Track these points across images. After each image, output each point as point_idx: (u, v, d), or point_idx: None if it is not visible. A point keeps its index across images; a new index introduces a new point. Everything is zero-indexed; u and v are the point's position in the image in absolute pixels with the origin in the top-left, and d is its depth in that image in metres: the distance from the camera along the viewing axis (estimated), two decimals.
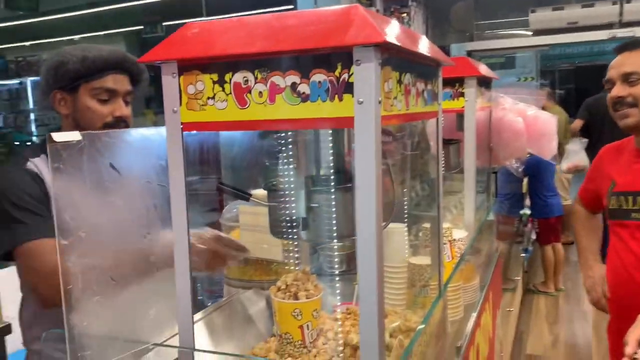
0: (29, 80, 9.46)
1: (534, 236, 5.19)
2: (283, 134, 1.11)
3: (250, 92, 0.95)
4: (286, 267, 1.74)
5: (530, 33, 6.45)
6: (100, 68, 1.51)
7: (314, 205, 1.08)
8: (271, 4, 4.61)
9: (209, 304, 1.48)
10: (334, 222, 1.09)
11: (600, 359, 3.52)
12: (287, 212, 1.07)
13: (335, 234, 1.10)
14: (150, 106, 7.84)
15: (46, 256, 1.21)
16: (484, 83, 2.27)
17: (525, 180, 4.66)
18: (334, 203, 1.09)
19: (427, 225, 1.72)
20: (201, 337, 1.38)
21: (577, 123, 5.28)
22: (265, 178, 1.25)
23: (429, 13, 6.09)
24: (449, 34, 6.79)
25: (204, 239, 1.27)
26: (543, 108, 3.11)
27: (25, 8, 7.00)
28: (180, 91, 1.00)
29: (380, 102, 0.89)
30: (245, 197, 1.14)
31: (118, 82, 1.54)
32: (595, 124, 5.00)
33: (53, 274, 0.91)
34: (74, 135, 0.90)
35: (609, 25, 5.84)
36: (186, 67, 0.99)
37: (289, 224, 1.07)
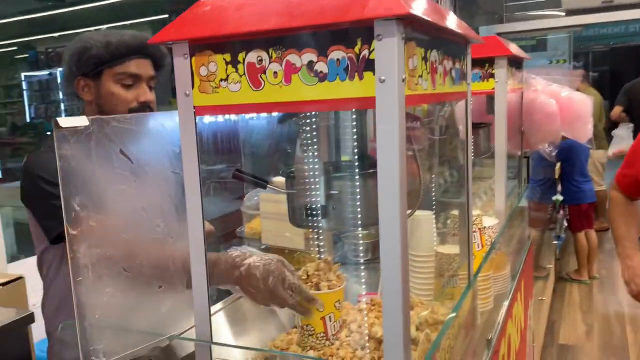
0: (58, 71, 9.60)
1: (566, 223, 5.04)
2: (302, 118, 1.05)
3: (264, 72, 0.89)
4: (309, 256, 1.69)
5: (563, 13, 6.22)
6: (124, 53, 1.49)
7: (334, 192, 1.02)
8: None
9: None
10: (356, 210, 1.04)
11: (637, 350, 3.41)
12: (307, 199, 1.02)
13: (357, 223, 1.05)
14: (176, 95, 7.85)
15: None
16: (515, 63, 2.17)
17: (557, 165, 4.51)
18: (356, 190, 1.03)
19: (455, 212, 1.65)
20: (222, 328, 1.35)
21: (617, 110, 5.10)
22: (286, 165, 1.20)
23: None
24: (477, 15, 6.61)
25: (264, 273, 1.12)
26: (577, 90, 2.97)
27: None
28: (192, 73, 0.95)
29: (403, 81, 0.82)
30: (263, 184, 1.09)
31: (141, 66, 1.51)
32: (634, 108, 4.82)
33: None
34: (81, 120, 0.86)
35: None
36: (198, 47, 0.94)
37: (308, 212, 1.02)
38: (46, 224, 1.35)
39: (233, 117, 1.92)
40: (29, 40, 10.29)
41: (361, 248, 1.94)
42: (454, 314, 1.09)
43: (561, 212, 5.00)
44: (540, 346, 3.43)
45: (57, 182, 1.23)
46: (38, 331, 1.83)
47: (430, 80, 0.99)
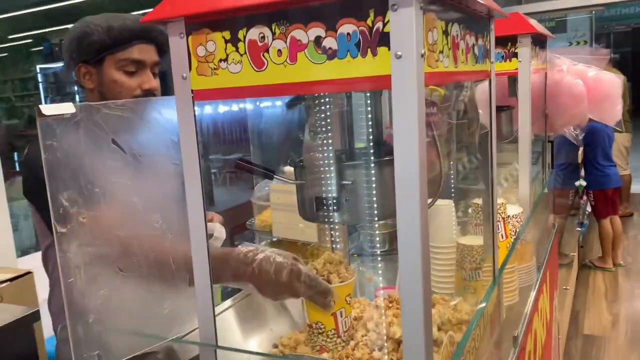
0: None
1: (589, 209, 4.89)
2: (309, 100, 0.96)
3: (267, 50, 0.80)
4: (323, 249, 1.61)
5: None
6: (126, 38, 1.41)
7: (347, 182, 0.93)
8: None
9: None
10: (372, 201, 0.95)
11: None
12: (317, 191, 0.93)
13: (372, 215, 0.96)
14: None
15: None
16: (539, 42, 2.05)
17: (580, 149, 4.36)
18: (371, 179, 0.95)
19: (477, 201, 1.55)
20: (230, 326, 1.27)
21: None
22: (297, 153, 1.11)
23: None
24: None
25: (278, 267, 1.05)
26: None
27: None
28: (189, 54, 0.87)
29: (423, 56, 0.73)
30: (269, 174, 1.01)
31: (145, 52, 1.44)
32: None
33: None
34: (67, 108, 0.78)
35: None
36: (195, 24, 0.86)
37: (319, 205, 0.93)
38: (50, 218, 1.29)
39: (244, 103, 1.85)
40: (44, 32, 10.31)
41: (378, 239, 1.85)
42: (479, 315, 1.00)
43: (584, 197, 4.86)
44: (564, 337, 3.33)
45: None
46: (49, 327, 1.78)
47: (452, 57, 0.89)
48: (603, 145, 4.44)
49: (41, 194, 1.25)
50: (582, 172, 4.65)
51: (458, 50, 0.93)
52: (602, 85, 2.22)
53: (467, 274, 1.45)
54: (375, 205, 0.95)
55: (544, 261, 1.93)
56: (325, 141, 0.92)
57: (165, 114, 0.94)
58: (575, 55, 2.36)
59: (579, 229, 4.61)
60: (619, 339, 3.55)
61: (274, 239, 1.58)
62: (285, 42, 0.79)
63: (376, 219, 0.97)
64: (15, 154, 6.66)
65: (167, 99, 0.92)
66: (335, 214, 0.93)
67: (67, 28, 1.45)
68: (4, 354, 1.47)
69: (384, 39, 0.72)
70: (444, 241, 1.54)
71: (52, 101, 11.12)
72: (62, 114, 0.78)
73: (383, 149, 0.99)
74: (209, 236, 1.36)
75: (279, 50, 0.80)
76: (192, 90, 0.88)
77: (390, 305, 1.22)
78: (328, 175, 0.92)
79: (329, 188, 0.93)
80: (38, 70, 11.51)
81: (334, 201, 0.92)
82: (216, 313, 1.28)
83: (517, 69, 1.85)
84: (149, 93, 1.44)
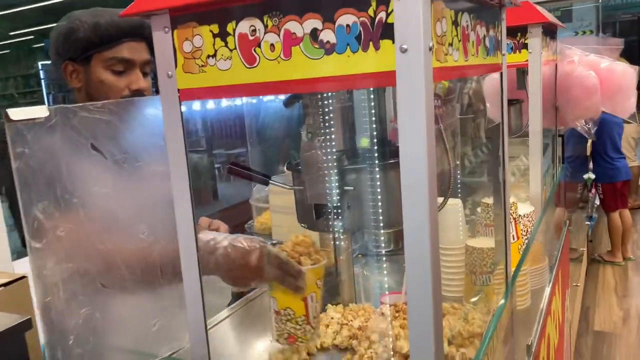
0: None
1: (598, 202, 4.80)
2: (308, 99, 0.89)
3: (259, 45, 0.73)
4: (325, 253, 1.55)
5: None
6: (114, 36, 1.33)
7: (348, 187, 0.86)
8: None
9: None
10: (376, 207, 0.88)
11: None
12: (316, 197, 0.86)
13: (377, 222, 0.89)
14: None
15: None
16: (549, 32, 1.96)
17: (589, 141, 4.27)
18: (376, 183, 0.87)
19: (487, 200, 1.47)
20: (226, 338, 1.21)
21: None
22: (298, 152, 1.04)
23: None
24: None
25: (245, 251, 0.97)
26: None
27: None
28: (174, 50, 0.80)
29: (431, 50, 0.65)
30: (263, 179, 0.94)
31: (134, 51, 1.35)
32: None
33: None
34: (40, 111, 0.71)
35: None
36: (180, 17, 0.78)
37: (318, 212, 0.86)
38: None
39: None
40: (45, 28, 10.24)
41: (383, 238, 1.78)
42: (493, 329, 0.93)
43: (593, 190, 4.77)
44: (575, 334, 3.25)
45: None
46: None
47: (462, 49, 0.82)
48: (612, 137, 4.34)
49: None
50: (591, 165, 4.56)
51: (468, 42, 0.85)
52: (615, 76, 2.13)
53: (477, 279, 1.38)
54: (380, 212, 0.88)
55: (556, 261, 1.85)
56: (324, 143, 0.84)
57: (150, 115, 0.86)
58: (587, 46, 2.27)
59: (588, 222, 4.52)
60: (631, 335, 3.48)
61: (274, 242, 1.51)
62: (279, 36, 0.72)
63: (382, 225, 0.90)
64: None
65: (152, 99, 0.85)
66: (337, 222, 0.86)
67: None
68: None
69: (387, 31, 0.65)
70: (452, 243, 1.46)
71: (55, 98, 11.07)
72: (34, 119, 0.71)
73: (388, 150, 0.92)
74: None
75: (272, 45, 0.72)
76: (178, 90, 0.80)
77: (397, 315, 1.15)
78: (328, 180, 0.85)
79: (330, 194, 0.86)
80: (40, 67, 11.46)
81: (335, 208, 0.85)
82: (213, 324, 1.22)
83: (527, 60, 1.77)
84: (137, 94, 1.36)
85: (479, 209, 1.57)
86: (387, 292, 1.38)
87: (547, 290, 1.67)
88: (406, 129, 0.65)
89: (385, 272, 1.60)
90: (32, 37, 11.19)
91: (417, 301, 0.72)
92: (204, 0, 0.74)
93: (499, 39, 1.08)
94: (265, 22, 0.72)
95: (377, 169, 0.87)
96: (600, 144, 4.34)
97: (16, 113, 0.69)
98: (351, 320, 1.23)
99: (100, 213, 0.81)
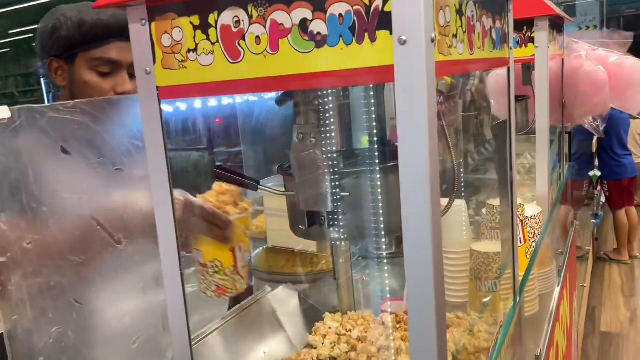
0: None
1: (603, 199, 4.73)
2: (299, 97, 0.82)
3: (243, 37, 0.66)
4: (323, 257, 1.48)
5: None
6: (100, 35, 1.24)
7: (345, 192, 0.79)
8: None
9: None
10: (377, 214, 0.81)
11: None
12: (309, 204, 0.79)
13: (377, 230, 0.82)
14: None
15: None
16: (556, 26, 1.89)
17: (595, 137, 4.19)
18: (374, 188, 0.81)
19: (492, 202, 1.41)
20: (218, 350, 1.14)
21: None
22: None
23: None
24: None
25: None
26: None
27: None
28: (152, 44, 0.73)
29: (433, 41, 0.58)
30: (252, 185, 0.87)
31: (122, 51, 1.27)
32: None
33: None
34: (2, 112, 0.65)
35: None
36: (158, 8, 0.72)
37: (310, 220, 0.79)
38: None
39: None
40: None
41: (385, 240, 1.71)
42: (501, 344, 0.86)
43: (598, 188, 4.69)
44: (581, 335, 3.18)
45: None
46: None
47: (467, 42, 0.75)
48: (619, 134, 4.27)
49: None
50: (596, 162, 4.49)
51: (474, 34, 0.78)
52: (624, 71, 2.06)
53: (482, 284, 1.31)
54: (379, 219, 0.81)
55: (564, 263, 1.78)
56: (316, 144, 0.77)
57: (127, 115, 0.80)
58: (594, 40, 2.19)
59: (594, 220, 4.46)
60: (638, 336, 3.41)
61: (268, 247, 1.45)
62: (265, 27, 0.65)
63: (381, 233, 0.83)
64: None
65: (129, 98, 0.78)
66: (331, 230, 0.79)
67: None
68: None
69: (384, 21, 0.58)
70: (456, 246, 1.39)
71: (55, 96, 11.00)
72: None
73: (388, 152, 0.85)
74: None
75: (258, 37, 0.65)
76: (157, 87, 0.74)
77: (398, 326, 1.08)
78: (322, 185, 0.78)
79: (324, 199, 0.79)
80: (40, 66, 11.40)
81: (329, 215, 0.78)
82: (204, 334, 1.16)
83: (533, 55, 1.69)
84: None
85: (484, 211, 1.50)
86: (388, 297, 1.32)
87: (556, 295, 1.60)
88: (406, 128, 0.59)
89: (387, 275, 1.53)
90: (31, 35, 11.13)
91: (419, 317, 0.65)
92: None
93: (506, 31, 1.01)
94: (250, 13, 0.65)
95: (375, 171, 0.80)
96: (607, 140, 4.27)
97: None
98: (350, 330, 1.17)
99: (72, 222, 0.74)
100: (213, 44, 0.69)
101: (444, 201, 1.03)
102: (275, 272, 1.46)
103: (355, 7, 0.59)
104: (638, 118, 4.16)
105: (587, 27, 8.20)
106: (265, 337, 1.19)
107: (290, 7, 0.63)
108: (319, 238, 0.82)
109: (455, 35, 0.69)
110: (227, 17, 0.67)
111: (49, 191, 0.71)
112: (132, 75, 1.32)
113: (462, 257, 1.38)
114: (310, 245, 1.37)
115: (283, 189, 0.90)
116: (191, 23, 0.70)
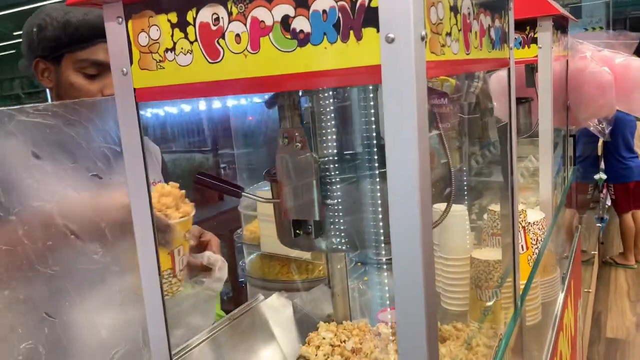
0: None
1: (609, 203, 4.66)
2: (282, 99, 0.78)
3: (223, 36, 0.62)
4: (318, 264, 1.44)
5: None
6: (86, 36, 1.20)
7: (332, 199, 0.75)
8: None
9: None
10: (369, 222, 0.77)
11: None
12: (294, 212, 0.75)
13: (369, 241, 0.78)
14: None
15: None
16: (560, 27, 1.84)
17: (600, 140, 4.13)
18: (364, 196, 0.76)
19: (494, 208, 1.36)
20: None
21: None
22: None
23: None
24: None
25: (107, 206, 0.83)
26: None
27: None
28: (129, 43, 0.69)
29: (423, 39, 0.54)
30: (235, 191, 0.83)
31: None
32: None
33: None
34: None
35: None
36: (135, 5, 0.68)
37: (297, 229, 0.75)
38: None
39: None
40: None
41: (383, 245, 1.67)
42: (500, 357, 0.81)
43: (604, 191, 4.63)
44: (586, 341, 3.12)
45: None
46: None
47: (463, 41, 0.71)
48: (625, 136, 4.21)
49: None
50: (602, 165, 4.42)
51: (470, 32, 0.74)
52: (631, 72, 2.00)
53: (482, 293, 1.26)
54: (372, 230, 0.77)
55: (568, 270, 1.74)
56: (302, 149, 0.73)
57: (103, 118, 0.76)
58: (600, 41, 2.14)
59: (599, 224, 4.39)
60: None
61: (261, 253, 1.41)
62: (245, 25, 0.61)
63: (374, 244, 0.79)
64: None
65: (104, 100, 0.74)
66: (319, 241, 0.75)
67: None
68: None
69: (371, 17, 0.54)
70: (456, 252, 1.35)
71: None
72: None
73: (380, 156, 0.81)
74: (206, 269, 1.18)
75: (237, 36, 0.61)
76: (134, 89, 0.70)
77: (394, 338, 1.04)
78: (308, 192, 0.74)
79: (311, 207, 0.75)
80: (26, 65, 11.40)
81: (316, 225, 0.74)
82: (192, 345, 1.12)
83: (536, 56, 1.65)
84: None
85: (485, 216, 1.46)
86: (386, 306, 1.27)
87: (559, 302, 1.55)
88: (394, 133, 0.54)
89: (385, 281, 1.49)
90: None
91: (408, 332, 0.60)
92: None
93: (506, 30, 0.96)
94: (229, 9, 0.61)
95: (365, 177, 0.76)
96: (613, 143, 4.20)
97: None
98: (344, 341, 1.13)
99: (43, 231, 0.70)
100: (191, 42, 0.65)
101: (443, 206, 0.99)
102: (270, 279, 1.42)
103: (340, 3, 0.55)
104: None
105: (593, 29, 8.15)
106: (256, 348, 1.15)
107: (272, 3, 0.59)
108: (305, 248, 0.77)
109: (449, 34, 0.65)
110: (205, 15, 0.63)
111: (18, 198, 0.67)
112: None
113: (462, 264, 1.34)
114: (304, 252, 1.33)
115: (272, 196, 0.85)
116: (169, 21, 0.66)
